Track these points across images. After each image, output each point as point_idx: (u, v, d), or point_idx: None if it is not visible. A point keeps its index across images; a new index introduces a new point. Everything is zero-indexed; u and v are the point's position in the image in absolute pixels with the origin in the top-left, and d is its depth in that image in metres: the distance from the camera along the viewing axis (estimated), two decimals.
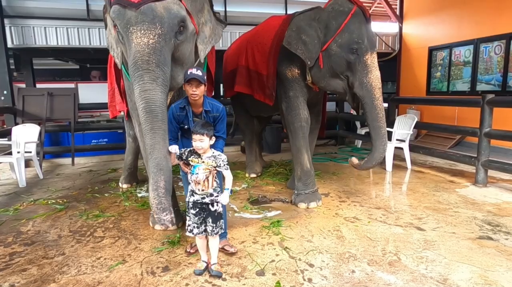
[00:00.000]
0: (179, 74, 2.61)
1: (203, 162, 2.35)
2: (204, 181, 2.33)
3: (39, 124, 5.37)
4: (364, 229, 3.13)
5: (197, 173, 2.33)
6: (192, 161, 2.37)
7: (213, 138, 2.39)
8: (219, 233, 2.45)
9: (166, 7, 2.37)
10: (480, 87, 6.46)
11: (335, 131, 7.74)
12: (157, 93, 2.33)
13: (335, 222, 3.31)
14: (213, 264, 2.46)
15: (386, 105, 6.87)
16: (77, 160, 6.11)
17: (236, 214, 3.57)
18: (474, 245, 2.78)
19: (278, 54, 3.74)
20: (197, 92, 2.43)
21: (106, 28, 2.89)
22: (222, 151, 2.53)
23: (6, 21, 5.73)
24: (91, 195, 4.30)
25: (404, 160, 5.45)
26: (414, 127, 5.45)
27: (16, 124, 5.52)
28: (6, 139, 5.28)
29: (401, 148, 5.41)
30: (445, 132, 6.65)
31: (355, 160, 3.64)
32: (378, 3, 9.06)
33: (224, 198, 2.37)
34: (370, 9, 9.51)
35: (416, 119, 5.43)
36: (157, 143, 2.30)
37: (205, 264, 2.47)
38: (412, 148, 5.54)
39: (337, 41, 3.35)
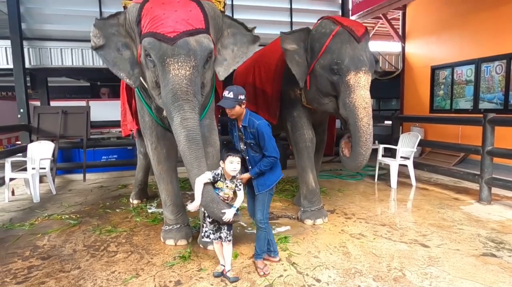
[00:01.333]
0: (202, 94, 2.80)
1: (227, 186, 2.60)
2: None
3: (52, 141, 5.57)
4: (369, 246, 3.20)
5: (219, 195, 2.60)
6: (217, 185, 2.60)
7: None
8: (231, 240, 2.68)
9: (198, 40, 2.57)
10: (483, 105, 6.57)
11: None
12: (196, 121, 2.59)
13: (341, 238, 3.39)
14: (228, 271, 2.66)
15: (390, 123, 7.03)
16: (88, 176, 6.27)
17: (244, 230, 3.66)
18: (478, 262, 2.85)
19: (282, 74, 3.89)
20: (232, 113, 2.65)
21: (96, 49, 2.95)
22: (263, 168, 2.66)
23: (25, 43, 6.03)
24: (103, 211, 4.42)
25: (408, 177, 5.53)
26: (418, 145, 5.55)
27: (31, 141, 5.73)
28: (21, 155, 5.48)
29: (406, 165, 5.50)
30: (449, 150, 6.72)
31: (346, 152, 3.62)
32: (381, 23, 9.32)
33: (228, 214, 2.52)
34: (373, 29, 9.80)
35: (419, 137, 5.53)
36: (202, 172, 2.54)
37: (223, 267, 2.69)
38: (416, 165, 5.62)
39: (320, 62, 3.42)
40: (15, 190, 5.43)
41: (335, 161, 7.85)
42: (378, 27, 9.74)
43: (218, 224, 2.64)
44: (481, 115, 4.55)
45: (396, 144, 5.70)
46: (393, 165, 5.38)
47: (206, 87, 2.88)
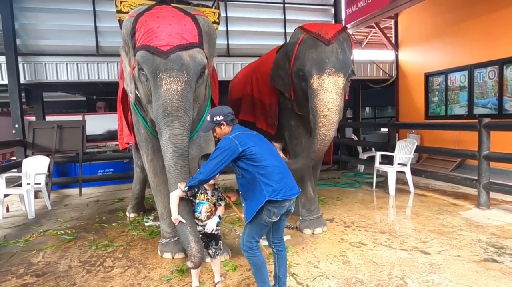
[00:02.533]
0: (194, 110, 2.79)
1: (208, 199, 2.55)
2: (205, 218, 2.55)
3: (48, 156, 5.53)
4: (369, 254, 3.16)
5: (200, 212, 2.55)
6: (198, 198, 2.55)
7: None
8: (220, 254, 2.65)
9: (191, 55, 2.58)
10: (477, 110, 6.62)
11: (337, 157, 7.84)
12: (185, 138, 2.57)
13: (340, 247, 3.35)
14: (217, 282, 2.65)
15: (386, 130, 7.06)
16: (84, 190, 6.20)
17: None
18: (479, 268, 2.82)
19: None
20: (216, 135, 2.53)
21: (121, 62, 3.05)
22: (191, 182, 2.35)
23: (19, 58, 6.03)
24: (99, 225, 4.36)
25: (406, 183, 5.51)
26: (415, 151, 5.56)
27: (26, 156, 5.68)
28: (16, 171, 5.42)
29: (403, 172, 5.49)
30: (445, 155, 6.74)
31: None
32: (374, 32, 9.44)
33: (211, 223, 2.48)
34: (366, 38, 9.92)
35: (416, 143, 5.53)
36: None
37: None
38: (414, 172, 5.62)
39: (293, 71, 3.51)
40: (10, 206, 5.35)
41: (333, 170, 7.85)
42: (371, 36, 9.84)
43: (206, 239, 2.59)
44: (476, 120, 4.57)
45: (393, 151, 5.70)
46: (391, 172, 5.37)
47: (199, 101, 2.89)
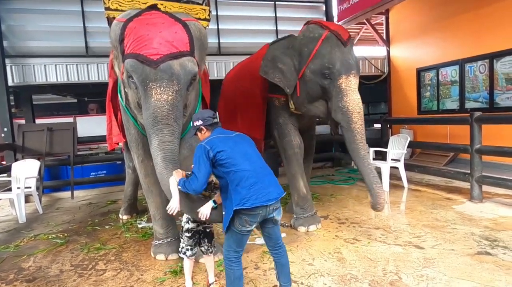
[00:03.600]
0: (184, 115, 2.78)
1: (209, 196, 2.49)
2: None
3: (38, 159, 5.44)
4: (364, 250, 3.16)
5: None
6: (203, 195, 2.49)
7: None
8: (212, 252, 2.62)
9: (182, 64, 2.55)
10: (469, 104, 6.65)
11: (331, 153, 7.84)
12: (175, 145, 2.54)
13: (335, 244, 3.34)
14: (211, 283, 2.61)
15: (379, 126, 7.07)
16: (76, 193, 6.13)
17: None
18: (473, 261, 2.82)
19: (268, 81, 3.86)
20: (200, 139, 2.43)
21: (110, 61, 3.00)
22: (181, 185, 2.28)
23: (7, 60, 5.92)
24: (92, 228, 4.31)
25: (400, 179, 5.52)
26: (408, 146, 5.57)
27: (16, 160, 5.59)
28: (6, 175, 5.33)
29: (397, 168, 5.50)
30: (438, 150, 6.77)
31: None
32: (365, 29, 9.45)
33: (204, 209, 2.28)
34: (358, 34, 9.93)
35: (409, 139, 5.55)
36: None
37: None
38: (407, 167, 5.63)
39: (310, 67, 3.41)
40: (0, 211, 5.27)
41: (327, 167, 7.85)
42: (363, 32, 9.85)
43: (199, 236, 2.57)
44: (468, 115, 4.58)
45: (386, 147, 5.71)
46: (384, 167, 5.37)
47: (189, 107, 2.87)
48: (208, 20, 3.26)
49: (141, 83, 2.51)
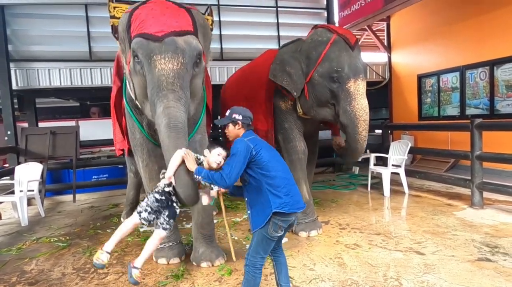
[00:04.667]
0: (191, 106, 2.73)
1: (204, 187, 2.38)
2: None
3: (41, 162, 5.48)
4: (365, 256, 3.17)
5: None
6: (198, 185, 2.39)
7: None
8: (166, 231, 2.42)
9: (186, 40, 2.57)
10: (469, 111, 6.68)
11: (332, 159, 7.86)
12: (181, 111, 2.45)
13: (336, 249, 3.35)
14: (136, 267, 2.33)
15: (380, 131, 7.09)
16: (78, 196, 6.15)
17: (238, 245, 3.60)
18: (473, 268, 2.83)
19: (274, 86, 3.90)
20: (226, 132, 2.41)
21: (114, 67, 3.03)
22: (207, 176, 2.23)
23: (11, 64, 5.98)
24: (94, 232, 4.33)
25: (401, 184, 5.54)
26: (409, 152, 5.59)
27: (19, 163, 5.62)
28: (9, 178, 5.37)
29: (398, 173, 5.52)
30: (439, 156, 6.79)
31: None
32: (366, 35, 9.52)
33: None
34: (359, 40, 9.99)
35: (409, 145, 5.57)
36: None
37: (108, 256, 2.34)
38: (408, 173, 5.65)
39: (319, 71, 3.45)
40: (3, 214, 5.28)
41: (328, 172, 7.86)
42: (364, 38, 9.93)
43: (161, 207, 2.38)
44: (469, 121, 4.61)
45: (387, 153, 5.73)
46: (385, 173, 5.39)
47: (196, 96, 2.82)
48: (211, 30, 3.31)
49: (146, 58, 2.51)
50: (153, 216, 2.36)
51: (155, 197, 2.37)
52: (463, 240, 3.42)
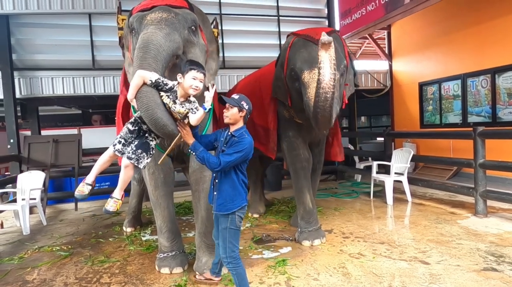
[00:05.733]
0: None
1: (174, 108, 2.28)
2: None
3: (43, 170, 5.48)
4: (369, 265, 3.14)
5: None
6: (164, 99, 2.27)
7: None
8: (133, 162, 2.31)
9: (180, 9, 2.68)
10: (472, 119, 6.69)
11: (334, 167, 7.85)
12: (158, 36, 2.36)
13: (340, 259, 3.33)
14: (112, 197, 2.38)
15: (382, 139, 7.09)
16: (80, 204, 6.14)
17: (241, 254, 3.57)
18: (479, 277, 2.80)
19: (276, 99, 3.95)
20: (229, 113, 2.41)
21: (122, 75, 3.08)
22: (202, 156, 2.32)
23: (15, 73, 6.04)
24: (96, 240, 4.30)
25: (404, 192, 5.52)
26: (411, 160, 5.58)
27: (21, 171, 5.63)
28: (11, 186, 5.36)
29: (400, 181, 5.50)
30: (441, 164, 6.77)
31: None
32: (367, 43, 9.58)
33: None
34: (360, 48, 10.06)
35: (412, 152, 5.56)
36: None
37: (90, 187, 2.36)
38: (411, 181, 5.63)
39: (287, 76, 3.57)
40: (4, 222, 5.27)
41: (331, 180, 7.84)
42: (365, 46, 9.99)
43: (133, 137, 2.34)
44: (471, 129, 4.61)
45: (389, 161, 5.72)
46: (388, 181, 5.38)
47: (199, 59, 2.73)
48: (216, 41, 3.36)
49: (139, 21, 2.58)
50: (127, 147, 2.33)
51: (127, 128, 2.36)
52: (468, 249, 3.40)
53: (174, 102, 2.27)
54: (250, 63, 7.10)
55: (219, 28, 6.92)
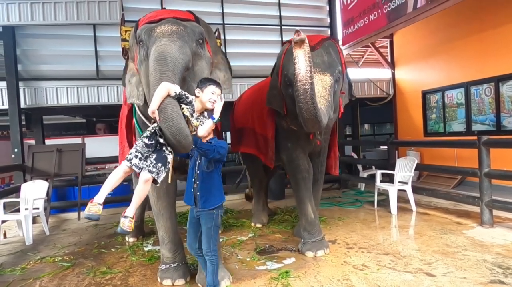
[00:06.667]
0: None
1: (192, 122, 2.36)
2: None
3: (46, 180, 5.49)
4: (373, 277, 3.10)
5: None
6: (184, 111, 2.33)
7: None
8: (153, 174, 2.27)
9: (187, 22, 2.74)
10: (476, 127, 6.65)
11: (337, 175, 7.79)
12: (173, 49, 2.46)
13: (344, 270, 3.29)
14: (126, 216, 2.25)
15: (385, 147, 7.07)
16: (83, 214, 6.11)
17: (243, 265, 3.54)
18: None
19: (274, 110, 3.93)
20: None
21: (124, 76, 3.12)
22: (208, 148, 2.47)
23: (20, 83, 6.10)
24: (98, 251, 4.29)
25: (408, 202, 5.46)
26: (415, 169, 5.53)
27: (25, 180, 5.65)
28: (14, 195, 5.37)
29: (404, 190, 5.45)
30: (446, 173, 6.71)
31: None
32: (370, 52, 9.60)
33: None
34: (362, 57, 10.09)
35: (416, 161, 5.52)
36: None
37: (101, 207, 2.23)
38: (415, 190, 5.57)
39: (281, 83, 3.55)
40: (7, 232, 5.28)
41: (334, 189, 7.80)
42: (368, 55, 10.03)
43: (151, 151, 2.31)
44: (475, 138, 4.57)
45: (393, 169, 5.68)
46: (392, 190, 5.33)
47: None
48: (220, 51, 3.40)
49: (148, 33, 2.62)
50: (144, 162, 2.28)
51: (144, 142, 2.31)
52: (474, 260, 3.34)
53: (192, 115, 2.35)
54: (253, 72, 7.13)
55: (221, 38, 7.05)
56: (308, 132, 3.58)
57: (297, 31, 2.71)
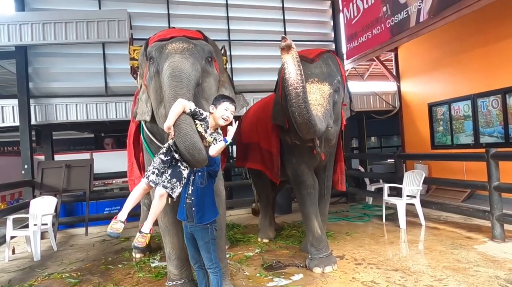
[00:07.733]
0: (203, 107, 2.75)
1: (205, 138, 2.38)
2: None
3: (55, 195, 5.55)
4: None
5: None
6: (198, 127, 2.37)
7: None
8: (167, 189, 2.32)
9: (197, 40, 2.83)
10: (484, 139, 6.58)
11: (344, 190, 7.73)
12: (186, 65, 2.53)
13: None
14: (142, 232, 2.33)
15: (392, 161, 7.02)
16: (91, 229, 6.15)
17: (250, 281, 3.51)
18: None
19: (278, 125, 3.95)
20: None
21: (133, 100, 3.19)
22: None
23: (31, 101, 6.24)
24: (105, 267, 4.29)
25: (417, 216, 5.38)
26: (424, 183, 5.47)
27: (34, 196, 5.71)
28: (24, 211, 5.43)
29: (413, 204, 5.38)
30: (455, 186, 6.61)
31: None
32: (375, 65, 9.65)
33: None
34: (367, 70, 10.14)
35: (424, 175, 5.46)
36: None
37: (123, 225, 2.28)
38: (424, 204, 5.50)
39: (282, 97, 3.52)
40: (16, 248, 5.31)
41: (341, 202, 7.73)
42: (373, 68, 10.06)
43: (166, 167, 2.35)
44: (484, 150, 4.53)
45: (400, 183, 5.63)
46: (400, 204, 5.27)
47: (208, 98, 2.79)
48: (225, 68, 3.46)
49: (159, 51, 2.68)
50: (160, 178, 2.33)
51: (160, 159, 2.36)
52: (487, 277, 3.27)
53: (205, 131, 2.38)
54: (259, 87, 7.20)
55: (228, 54, 7.16)
56: (311, 147, 3.56)
57: (283, 37, 2.75)
